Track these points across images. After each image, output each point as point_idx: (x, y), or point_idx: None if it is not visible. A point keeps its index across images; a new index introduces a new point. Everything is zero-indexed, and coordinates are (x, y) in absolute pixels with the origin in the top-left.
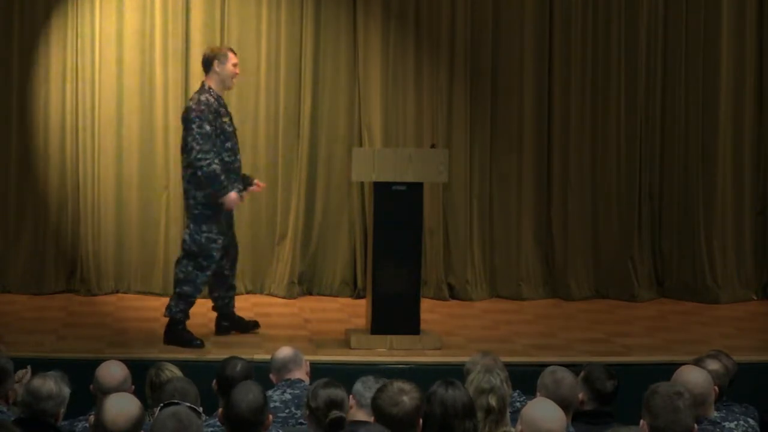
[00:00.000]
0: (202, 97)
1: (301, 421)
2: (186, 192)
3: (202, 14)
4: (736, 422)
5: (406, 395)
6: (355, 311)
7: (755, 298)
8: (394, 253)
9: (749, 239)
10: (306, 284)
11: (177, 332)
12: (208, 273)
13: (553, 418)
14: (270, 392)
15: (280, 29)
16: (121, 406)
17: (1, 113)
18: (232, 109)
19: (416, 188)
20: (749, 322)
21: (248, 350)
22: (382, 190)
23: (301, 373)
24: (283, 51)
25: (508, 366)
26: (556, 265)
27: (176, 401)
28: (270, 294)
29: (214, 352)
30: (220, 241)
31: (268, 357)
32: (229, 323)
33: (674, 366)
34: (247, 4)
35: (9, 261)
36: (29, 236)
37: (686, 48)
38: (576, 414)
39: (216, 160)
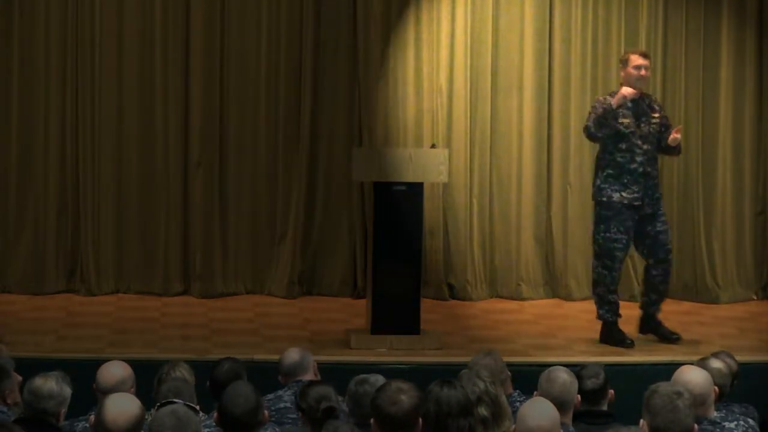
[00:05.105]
0: (602, 97)
1: None
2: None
3: (202, 14)
4: (736, 422)
5: (404, 395)
6: (355, 311)
7: (755, 298)
8: (394, 253)
9: (749, 239)
10: (306, 284)
11: (609, 332)
12: (615, 273)
13: (544, 417)
14: (281, 392)
15: (280, 29)
16: (121, 406)
17: (1, 113)
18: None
19: (416, 188)
20: (749, 322)
21: (248, 350)
22: (382, 190)
23: (309, 376)
24: (283, 51)
25: (508, 366)
26: (556, 265)
27: (172, 400)
28: (270, 294)
29: (215, 352)
30: (623, 241)
31: (268, 357)
32: (649, 327)
33: (674, 366)
34: (247, 4)
35: (9, 261)
36: (29, 236)
37: (686, 48)
38: (576, 414)
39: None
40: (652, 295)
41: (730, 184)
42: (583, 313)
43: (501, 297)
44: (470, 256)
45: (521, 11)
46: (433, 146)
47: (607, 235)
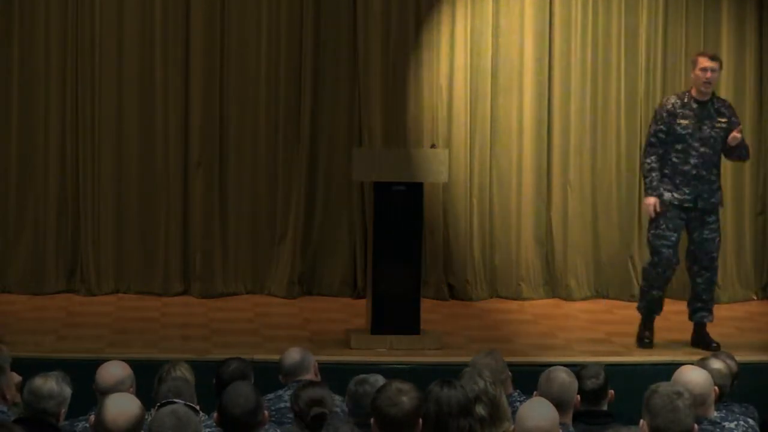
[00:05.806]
0: (665, 98)
1: None
2: None
3: (202, 14)
4: (736, 422)
5: (404, 395)
6: (355, 311)
7: (755, 298)
8: (394, 253)
9: (749, 239)
10: (306, 284)
11: (641, 324)
12: (660, 270)
13: (543, 417)
14: (281, 392)
15: (280, 29)
16: (121, 406)
17: (1, 113)
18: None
19: (416, 188)
20: (749, 322)
21: (248, 350)
22: (382, 190)
23: (310, 376)
24: (283, 51)
25: (508, 366)
26: (556, 265)
27: (172, 400)
28: (270, 294)
29: (215, 352)
30: (671, 239)
31: (268, 357)
32: (694, 335)
33: (674, 366)
34: (247, 4)
35: (9, 261)
36: (29, 236)
37: (686, 47)
38: (576, 414)
39: (652, 158)
40: (697, 304)
41: (730, 184)
42: (583, 313)
43: (501, 297)
44: (470, 256)
45: (521, 11)
46: (433, 146)
47: (657, 232)
